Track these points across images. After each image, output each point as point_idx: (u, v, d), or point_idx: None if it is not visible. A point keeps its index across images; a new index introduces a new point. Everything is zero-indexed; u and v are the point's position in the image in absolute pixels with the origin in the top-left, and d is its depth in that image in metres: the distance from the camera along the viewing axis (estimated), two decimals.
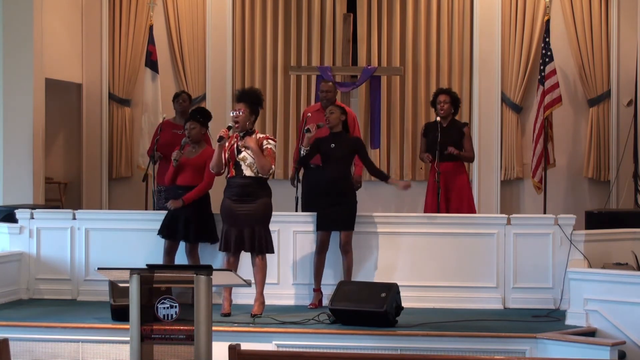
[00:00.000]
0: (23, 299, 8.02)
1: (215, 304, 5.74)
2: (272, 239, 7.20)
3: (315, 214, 7.68)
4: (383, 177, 7.75)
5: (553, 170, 10.08)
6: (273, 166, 7.08)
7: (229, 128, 7.03)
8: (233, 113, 7.07)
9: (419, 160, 9.78)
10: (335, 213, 7.46)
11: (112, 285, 6.83)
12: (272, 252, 7.18)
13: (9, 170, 9.43)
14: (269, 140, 7.08)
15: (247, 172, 7.01)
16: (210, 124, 7.78)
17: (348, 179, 7.60)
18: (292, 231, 7.83)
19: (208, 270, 4.87)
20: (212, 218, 7.60)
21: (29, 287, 8.09)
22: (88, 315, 7.13)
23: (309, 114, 8.40)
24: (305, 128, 7.52)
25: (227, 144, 7.03)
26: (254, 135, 7.06)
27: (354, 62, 9.94)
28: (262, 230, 7.06)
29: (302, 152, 7.54)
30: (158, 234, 7.58)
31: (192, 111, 7.86)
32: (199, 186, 7.49)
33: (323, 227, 7.52)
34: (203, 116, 7.68)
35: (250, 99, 7.09)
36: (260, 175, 7.02)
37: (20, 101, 9.42)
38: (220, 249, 7.18)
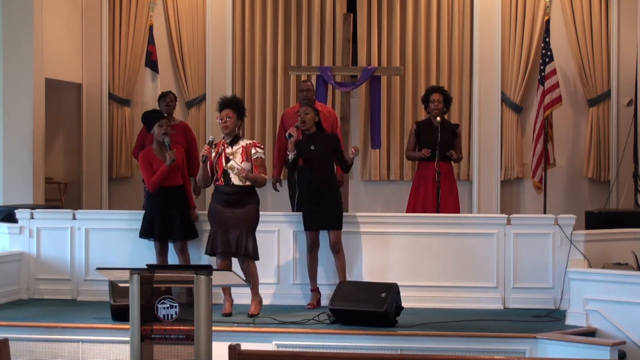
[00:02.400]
0: (23, 299, 8.03)
1: (215, 304, 5.75)
2: (258, 242, 7.14)
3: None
4: (347, 165, 7.62)
5: (553, 170, 10.08)
6: (267, 177, 7.15)
7: (210, 144, 7.09)
8: (220, 119, 7.10)
9: (406, 159, 9.72)
10: (322, 213, 7.46)
11: (112, 285, 6.83)
12: (257, 259, 7.14)
13: (9, 170, 9.42)
14: (258, 149, 7.11)
15: (236, 180, 7.02)
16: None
17: (332, 178, 7.60)
18: (292, 231, 7.84)
19: (208, 270, 4.88)
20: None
21: (29, 287, 8.09)
22: (88, 315, 7.13)
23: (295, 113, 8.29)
24: (287, 133, 7.51)
25: (214, 153, 7.06)
26: (240, 142, 7.09)
27: (354, 62, 9.94)
28: (248, 235, 7.05)
29: (289, 158, 7.50)
30: (143, 237, 7.54)
31: (155, 114, 7.72)
32: (189, 189, 7.66)
33: (311, 227, 7.52)
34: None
35: (235, 105, 7.17)
36: (248, 184, 7.04)
37: (20, 101, 9.42)
38: (206, 253, 7.16)
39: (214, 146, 7.10)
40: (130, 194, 10.65)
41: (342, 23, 9.71)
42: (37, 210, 8.24)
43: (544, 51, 9.91)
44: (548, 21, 10.04)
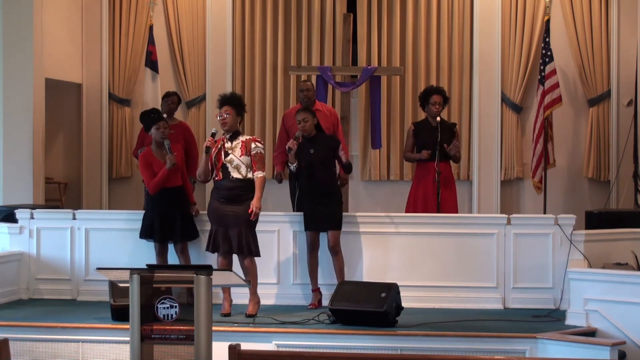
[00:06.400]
0: (23, 299, 8.03)
1: (214, 304, 5.75)
2: (258, 242, 7.15)
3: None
4: (345, 166, 7.60)
5: (553, 170, 10.08)
6: (263, 172, 7.11)
7: (213, 135, 7.12)
8: (220, 116, 7.13)
9: (404, 160, 9.68)
10: (321, 214, 7.46)
11: (112, 285, 6.83)
12: (258, 255, 7.15)
13: (9, 170, 9.42)
14: (257, 144, 7.12)
15: (235, 174, 7.03)
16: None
17: (333, 180, 7.61)
18: (292, 231, 7.84)
19: (208, 270, 4.88)
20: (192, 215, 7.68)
21: (29, 287, 8.09)
22: (88, 315, 7.13)
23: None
24: (287, 147, 7.49)
25: (213, 149, 7.06)
26: (240, 137, 7.12)
27: (354, 62, 9.93)
28: (248, 231, 7.05)
29: (291, 168, 7.54)
30: (143, 238, 7.52)
31: (153, 114, 7.68)
32: (188, 187, 7.66)
33: (311, 227, 7.53)
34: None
35: (234, 102, 7.20)
36: (248, 177, 7.05)
37: (20, 101, 9.42)
38: (207, 249, 7.18)
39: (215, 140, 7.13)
40: (130, 194, 10.65)
41: (342, 23, 9.71)
42: (37, 210, 8.24)
43: (544, 51, 9.91)
44: (548, 21, 10.04)
